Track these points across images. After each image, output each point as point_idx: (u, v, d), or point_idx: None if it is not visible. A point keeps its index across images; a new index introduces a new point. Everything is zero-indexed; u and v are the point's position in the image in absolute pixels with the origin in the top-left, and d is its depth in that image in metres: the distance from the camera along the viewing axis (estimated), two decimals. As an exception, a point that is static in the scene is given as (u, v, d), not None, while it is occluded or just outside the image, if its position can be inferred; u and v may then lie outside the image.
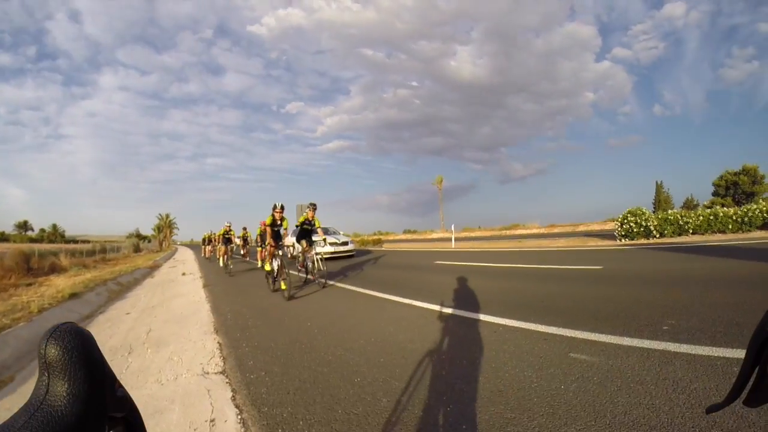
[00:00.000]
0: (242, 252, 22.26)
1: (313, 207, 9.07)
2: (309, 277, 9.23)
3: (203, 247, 25.54)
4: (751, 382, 0.50)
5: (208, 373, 3.59)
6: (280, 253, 8.14)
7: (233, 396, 3.04)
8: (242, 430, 2.52)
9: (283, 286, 7.50)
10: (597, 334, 3.63)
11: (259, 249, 14.98)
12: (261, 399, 2.93)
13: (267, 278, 8.89)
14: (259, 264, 14.89)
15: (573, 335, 3.73)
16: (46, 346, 0.36)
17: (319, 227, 9.05)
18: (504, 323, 4.27)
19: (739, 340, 3.18)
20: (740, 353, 2.90)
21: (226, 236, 15.52)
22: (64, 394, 0.36)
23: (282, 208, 8.36)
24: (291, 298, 7.23)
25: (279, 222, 8.48)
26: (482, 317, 4.63)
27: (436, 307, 5.32)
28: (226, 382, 3.34)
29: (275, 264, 8.22)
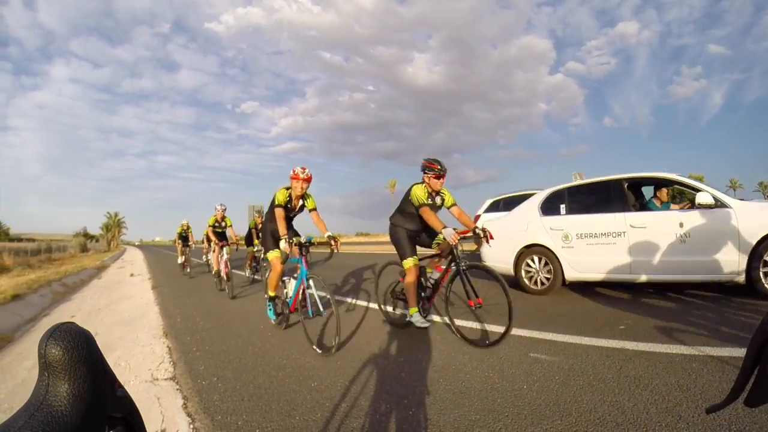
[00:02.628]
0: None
1: None
2: (256, 277, 9.28)
3: (180, 249, 13.06)
4: (751, 382, 0.50)
5: (157, 379, 3.39)
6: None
7: (184, 404, 2.87)
8: (194, 440, 2.38)
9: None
10: (555, 334, 3.67)
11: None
12: (214, 406, 2.77)
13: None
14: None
15: (531, 335, 3.76)
16: (46, 346, 0.36)
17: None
18: (460, 325, 4.25)
19: (694, 338, 3.28)
20: (697, 350, 2.98)
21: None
22: (65, 394, 0.36)
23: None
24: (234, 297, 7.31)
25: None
26: (439, 319, 4.61)
27: (392, 310, 5.28)
28: (177, 389, 3.16)
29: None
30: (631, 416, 2.18)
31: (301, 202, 4.65)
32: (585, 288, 5.88)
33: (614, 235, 5.15)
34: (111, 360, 3.91)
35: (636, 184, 5.89)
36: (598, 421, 2.17)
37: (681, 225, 4.67)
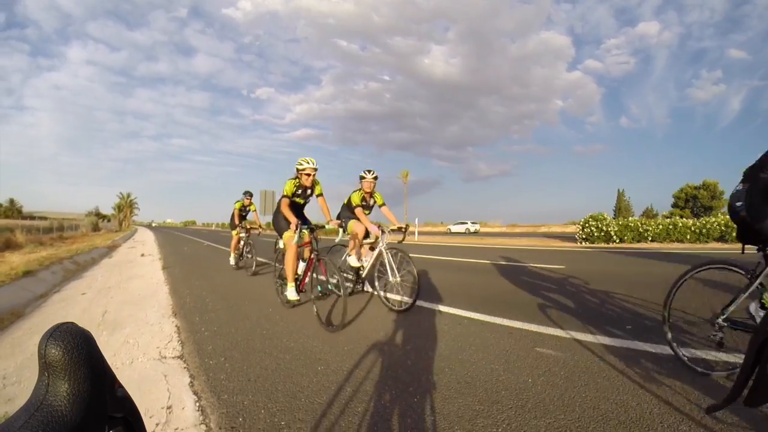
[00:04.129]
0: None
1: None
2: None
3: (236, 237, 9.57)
4: (751, 382, 0.50)
5: (165, 357, 3.43)
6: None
7: (191, 382, 2.91)
8: (201, 417, 2.40)
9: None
10: (562, 330, 3.66)
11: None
12: (220, 386, 2.80)
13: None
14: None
15: (538, 330, 3.75)
16: (46, 346, 0.36)
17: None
18: (469, 316, 4.27)
19: (698, 340, 3.26)
20: (704, 355, 2.96)
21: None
22: (64, 394, 0.36)
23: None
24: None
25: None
26: (448, 310, 4.64)
27: (401, 299, 5.29)
28: (184, 368, 3.19)
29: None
30: (635, 415, 2.17)
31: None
32: (595, 285, 5.86)
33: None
34: (120, 337, 3.97)
35: None
36: (601, 418, 2.17)
37: None
